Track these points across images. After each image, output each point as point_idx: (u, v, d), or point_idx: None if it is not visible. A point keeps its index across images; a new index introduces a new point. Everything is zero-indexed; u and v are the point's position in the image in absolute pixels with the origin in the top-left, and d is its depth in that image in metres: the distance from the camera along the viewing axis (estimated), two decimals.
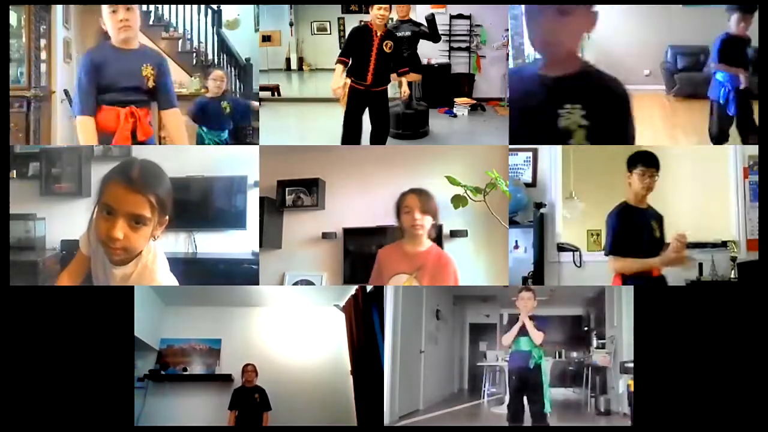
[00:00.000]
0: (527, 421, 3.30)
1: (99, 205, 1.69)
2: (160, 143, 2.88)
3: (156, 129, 2.99)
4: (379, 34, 3.85)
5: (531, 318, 3.28)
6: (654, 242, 2.86)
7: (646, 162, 2.81)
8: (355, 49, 3.83)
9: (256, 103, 4.40)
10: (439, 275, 2.58)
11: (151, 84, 2.58)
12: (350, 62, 3.84)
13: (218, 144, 4.18)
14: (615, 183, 4.42)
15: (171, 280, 1.89)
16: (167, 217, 1.74)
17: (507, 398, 3.48)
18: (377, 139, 4.07)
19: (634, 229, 2.83)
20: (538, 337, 3.27)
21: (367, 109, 3.96)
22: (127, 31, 2.49)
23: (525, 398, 3.29)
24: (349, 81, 3.81)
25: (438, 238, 3.77)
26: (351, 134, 3.95)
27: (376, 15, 3.80)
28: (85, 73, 2.56)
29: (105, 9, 2.49)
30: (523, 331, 3.28)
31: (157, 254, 1.81)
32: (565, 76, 2.06)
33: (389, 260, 2.65)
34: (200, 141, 4.18)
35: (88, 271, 1.96)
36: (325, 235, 4.05)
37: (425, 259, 2.60)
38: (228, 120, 4.22)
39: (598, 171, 4.27)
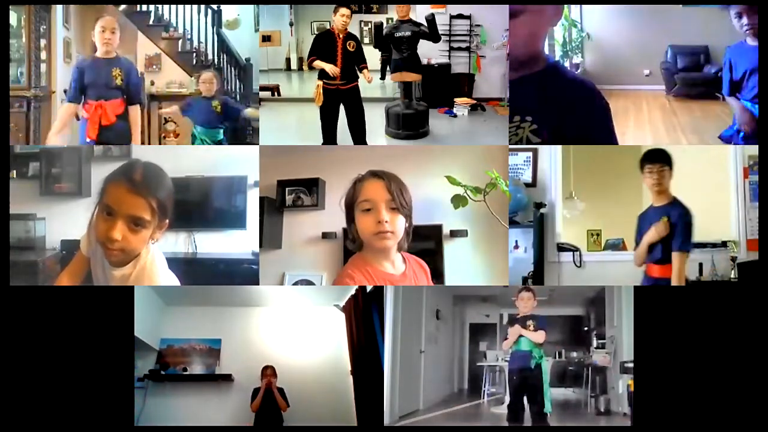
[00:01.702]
0: (527, 421, 3.31)
1: (99, 205, 1.69)
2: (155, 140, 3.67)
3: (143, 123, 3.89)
4: (341, 36, 4.15)
5: (528, 318, 3.32)
6: (665, 240, 2.84)
7: (651, 159, 2.87)
8: (321, 52, 4.15)
9: (251, 110, 4.40)
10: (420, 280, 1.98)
11: (119, 82, 3.35)
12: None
13: (214, 143, 4.17)
14: (615, 183, 4.44)
15: (171, 280, 1.88)
16: (167, 221, 1.74)
17: (507, 398, 3.48)
18: (356, 132, 4.26)
19: (647, 229, 2.89)
20: (539, 336, 3.30)
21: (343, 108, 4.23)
22: (108, 47, 3.34)
23: (525, 398, 3.31)
24: (321, 83, 4.13)
25: (438, 238, 3.78)
26: (328, 132, 4.22)
27: (339, 20, 4.10)
28: (74, 76, 3.43)
29: (97, 27, 3.34)
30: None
31: (155, 256, 1.79)
32: (528, 74, 2.08)
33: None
34: (194, 141, 4.18)
35: (88, 272, 1.96)
36: (325, 235, 4.05)
37: (403, 277, 1.85)
38: (221, 118, 4.19)
39: (598, 171, 4.27)
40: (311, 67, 4.23)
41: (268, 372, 3.88)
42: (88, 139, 3.34)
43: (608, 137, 2.24)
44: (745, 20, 3.11)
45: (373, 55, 5.40)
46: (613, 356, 4.40)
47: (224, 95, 4.29)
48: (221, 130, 4.16)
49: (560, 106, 2.11)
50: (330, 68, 4.07)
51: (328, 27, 4.30)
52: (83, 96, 3.43)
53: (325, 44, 4.17)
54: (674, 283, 2.86)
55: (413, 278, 1.88)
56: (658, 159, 2.86)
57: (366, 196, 1.74)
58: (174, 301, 4.28)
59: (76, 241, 2.00)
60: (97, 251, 1.80)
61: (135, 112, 3.49)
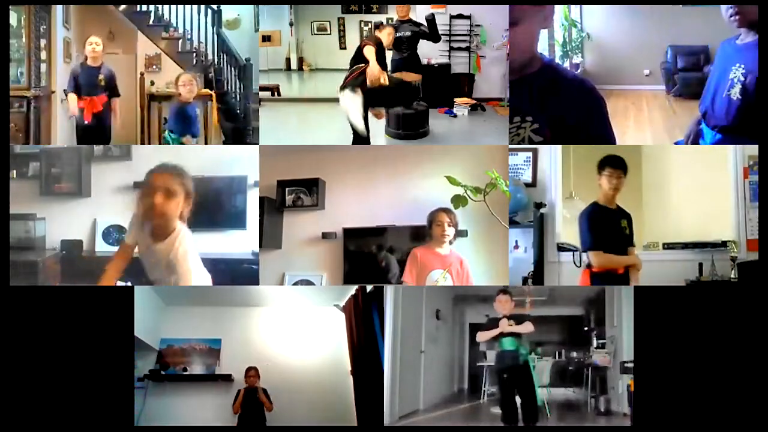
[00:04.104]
0: (520, 418, 3.37)
1: (142, 190, 2.34)
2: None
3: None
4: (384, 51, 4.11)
5: (509, 318, 3.44)
6: (623, 239, 3.03)
7: (614, 164, 2.99)
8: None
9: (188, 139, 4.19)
10: (461, 273, 3.40)
11: (102, 84, 4.37)
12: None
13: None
14: None
15: (201, 267, 2.47)
16: (192, 200, 2.37)
17: (497, 396, 3.60)
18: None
19: (605, 228, 3.00)
20: (526, 327, 3.42)
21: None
22: (94, 54, 4.34)
23: (517, 396, 3.39)
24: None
25: None
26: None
27: (387, 38, 4.09)
28: (71, 77, 4.43)
29: (87, 43, 4.37)
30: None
31: (185, 234, 2.37)
32: (526, 75, 2.19)
33: (426, 259, 3.37)
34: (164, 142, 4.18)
35: (131, 260, 2.54)
36: (325, 235, 4.05)
37: (450, 260, 3.39)
38: (196, 125, 4.16)
39: None
40: (361, 48, 4.02)
41: (251, 373, 3.89)
42: (85, 121, 4.34)
43: (606, 130, 2.34)
44: (732, 10, 2.68)
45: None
46: (613, 356, 4.40)
47: (192, 108, 4.17)
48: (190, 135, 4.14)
49: (558, 104, 2.19)
50: (377, 69, 3.86)
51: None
52: (78, 90, 4.38)
53: (378, 55, 4.05)
54: (633, 272, 3.02)
55: (455, 261, 3.41)
56: (619, 165, 3.00)
57: (439, 219, 3.39)
58: (174, 301, 4.28)
59: (77, 241, 2.03)
60: (143, 230, 2.39)
61: (116, 103, 4.51)
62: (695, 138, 3.07)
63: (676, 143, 3.41)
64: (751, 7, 2.65)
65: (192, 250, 2.37)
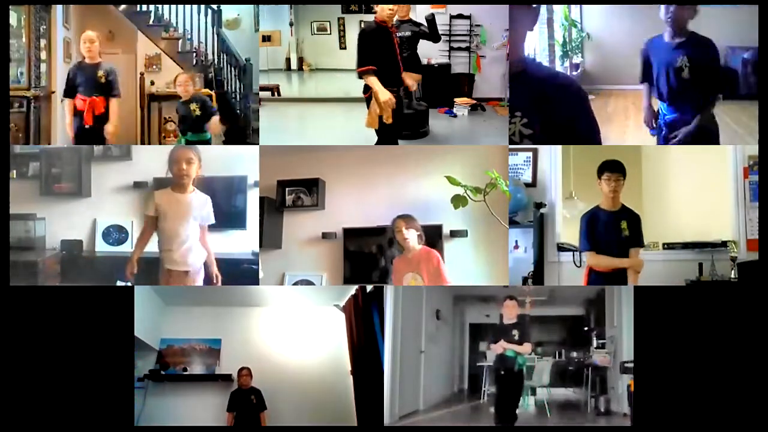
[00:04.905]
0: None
1: (172, 158, 3.12)
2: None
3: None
4: (393, 32, 3.70)
5: (514, 327, 3.67)
6: (623, 241, 3.10)
7: (611, 168, 3.15)
8: (378, 53, 3.52)
9: (215, 120, 4.14)
10: (429, 264, 3.33)
11: (103, 81, 4.05)
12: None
13: (202, 143, 4.12)
14: None
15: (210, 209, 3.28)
16: (201, 164, 3.18)
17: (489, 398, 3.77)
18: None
19: (603, 230, 3.11)
20: (525, 348, 3.66)
21: None
22: (90, 53, 4.05)
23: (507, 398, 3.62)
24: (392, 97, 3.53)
25: (438, 238, 3.80)
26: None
27: (385, 11, 3.59)
28: (67, 78, 4.16)
29: (81, 40, 4.08)
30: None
31: (197, 191, 3.20)
32: (513, 74, 2.39)
33: (399, 267, 3.45)
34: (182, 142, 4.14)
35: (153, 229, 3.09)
36: (325, 235, 4.05)
37: (417, 258, 3.39)
38: (201, 121, 4.09)
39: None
40: (360, 76, 3.52)
41: (244, 373, 3.90)
42: (86, 125, 4.02)
43: (590, 126, 2.50)
44: (671, 8, 3.24)
45: None
46: (613, 356, 4.40)
47: (202, 97, 4.15)
48: (207, 132, 4.13)
49: (545, 101, 2.36)
50: (384, 93, 3.46)
51: (374, 20, 3.64)
52: (75, 92, 4.08)
53: (381, 43, 3.55)
54: (631, 273, 3.08)
55: (421, 257, 3.37)
56: (617, 169, 3.13)
57: (396, 227, 3.39)
58: (174, 301, 4.28)
59: (76, 241, 2.02)
60: (166, 190, 3.13)
61: (114, 104, 4.13)
62: (655, 117, 3.48)
63: (652, 132, 3.54)
64: (684, 16, 3.19)
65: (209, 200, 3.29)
